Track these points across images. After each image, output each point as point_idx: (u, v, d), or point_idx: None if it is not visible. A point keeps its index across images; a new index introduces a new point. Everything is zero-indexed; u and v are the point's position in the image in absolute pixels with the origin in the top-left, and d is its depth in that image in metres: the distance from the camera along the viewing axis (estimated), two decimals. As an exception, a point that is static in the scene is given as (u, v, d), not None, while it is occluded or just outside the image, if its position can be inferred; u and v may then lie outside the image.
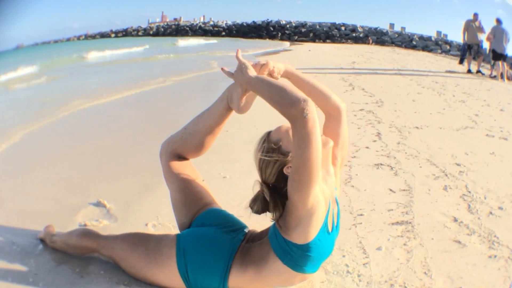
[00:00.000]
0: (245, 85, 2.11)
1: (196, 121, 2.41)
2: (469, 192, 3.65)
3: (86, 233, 2.43)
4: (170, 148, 2.44)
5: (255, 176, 3.71)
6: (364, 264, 2.47)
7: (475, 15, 13.75)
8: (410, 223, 3.01)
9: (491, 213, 3.26)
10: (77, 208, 3.09)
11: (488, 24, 13.81)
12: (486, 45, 13.93)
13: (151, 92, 8.80)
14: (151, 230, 2.83)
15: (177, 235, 2.22)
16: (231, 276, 2.10)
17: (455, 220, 3.10)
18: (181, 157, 2.45)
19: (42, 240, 2.59)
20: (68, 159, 4.38)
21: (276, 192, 2.02)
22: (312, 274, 2.15)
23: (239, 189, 3.50)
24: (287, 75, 2.23)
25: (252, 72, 2.06)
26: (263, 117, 5.85)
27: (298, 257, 2.02)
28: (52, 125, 5.97)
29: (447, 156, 4.63)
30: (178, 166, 2.42)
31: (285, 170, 1.99)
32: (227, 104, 2.30)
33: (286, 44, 29.93)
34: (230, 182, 3.77)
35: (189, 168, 2.45)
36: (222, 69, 2.20)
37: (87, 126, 6.04)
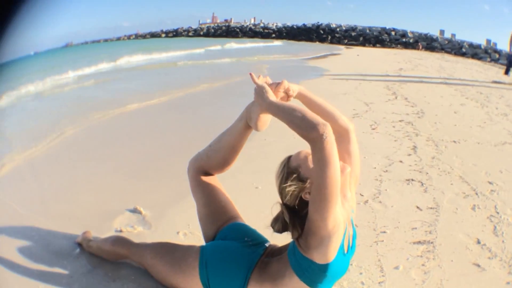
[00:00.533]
0: (264, 109, 2.24)
1: (219, 138, 2.55)
2: (497, 213, 3.65)
3: (119, 241, 2.68)
4: (197, 165, 2.61)
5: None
6: (379, 283, 2.55)
7: None
8: (432, 243, 3.05)
9: (517, 236, 3.25)
10: (114, 214, 3.30)
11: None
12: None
13: (199, 94, 8.95)
14: (181, 238, 3.02)
15: (201, 247, 2.39)
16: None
17: (478, 242, 3.13)
18: (207, 173, 2.62)
19: (79, 244, 2.84)
20: (111, 163, 4.59)
21: (295, 214, 2.14)
22: None
23: (271, 200, 3.57)
24: (300, 96, 2.39)
25: (271, 96, 2.21)
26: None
27: (315, 275, 2.13)
28: (99, 126, 6.21)
29: (480, 173, 4.61)
30: (204, 182, 2.59)
31: (303, 196, 2.11)
32: (246, 123, 2.44)
33: (338, 47, 29.72)
34: (262, 192, 3.88)
35: (214, 184, 2.62)
36: (250, 74, 2.34)
37: (130, 130, 6.23)
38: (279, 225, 2.23)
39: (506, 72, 14.16)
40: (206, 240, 2.56)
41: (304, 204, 2.11)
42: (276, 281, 2.20)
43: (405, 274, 2.66)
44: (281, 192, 2.16)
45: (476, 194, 4.04)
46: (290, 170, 2.14)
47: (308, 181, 2.09)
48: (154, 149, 5.21)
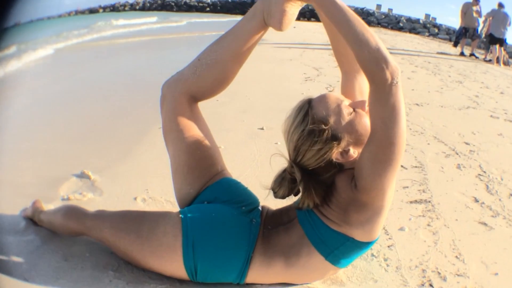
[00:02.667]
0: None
1: (215, 48, 1.90)
2: (484, 172, 3.45)
3: (71, 213, 1.96)
4: (179, 89, 1.90)
5: (252, 148, 3.48)
6: (389, 247, 2.23)
7: None
8: (429, 202, 2.78)
9: (511, 194, 3.04)
10: (60, 180, 2.70)
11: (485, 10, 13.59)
12: (482, 29, 13.61)
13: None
14: (140, 205, 2.49)
15: (182, 218, 1.76)
16: (252, 269, 1.73)
17: (476, 200, 2.89)
18: (193, 100, 1.94)
19: (29, 219, 2.15)
20: (51, 127, 4.01)
21: (311, 179, 1.70)
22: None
23: (237, 160, 3.21)
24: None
25: None
26: (256, 88, 5.61)
27: (348, 253, 1.74)
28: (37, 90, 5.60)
29: (454, 134, 4.42)
30: (188, 118, 1.90)
31: (334, 157, 1.67)
32: (262, 21, 1.84)
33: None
34: (226, 152, 3.48)
35: (200, 120, 1.96)
36: None
37: (72, 93, 5.64)
38: (284, 189, 1.77)
39: (455, 45, 14.26)
40: (182, 202, 1.92)
41: (329, 166, 1.68)
42: (289, 258, 1.73)
43: (413, 235, 2.36)
44: (298, 149, 1.68)
45: (457, 153, 3.83)
46: (315, 122, 1.65)
47: (346, 138, 1.66)
48: (97, 112, 4.64)
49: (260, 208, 1.89)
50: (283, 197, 1.81)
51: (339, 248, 1.71)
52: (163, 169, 2.85)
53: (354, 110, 1.71)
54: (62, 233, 2.01)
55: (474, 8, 13.34)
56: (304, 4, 1.81)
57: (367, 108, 1.70)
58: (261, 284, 1.82)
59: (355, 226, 1.67)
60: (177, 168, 1.91)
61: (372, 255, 2.13)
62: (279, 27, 1.80)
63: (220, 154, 1.99)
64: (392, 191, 1.65)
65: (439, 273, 2.03)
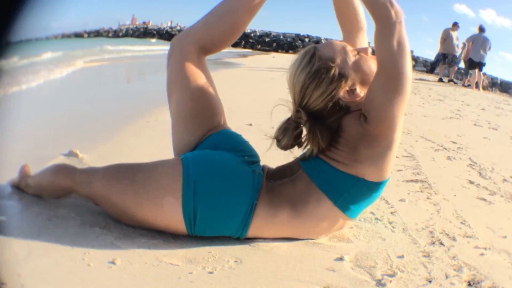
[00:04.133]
0: None
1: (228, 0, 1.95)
2: (475, 163, 3.44)
3: (61, 169, 1.88)
4: (190, 39, 1.92)
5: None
6: (392, 213, 2.18)
7: (456, 24, 13.62)
8: (425, 181, 2.75)
9: (505, 180, 3.05)
10: (48, 159, 2.57)
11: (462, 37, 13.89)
12: (460, 55, 13.85)
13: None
14: None
15: (183, 160, 1.68)
16: (255, 220, 1.66)
17: (471, 182, 2.88)
18: (202, 51, 1.93)
19: (16, 187, 2.03)
20: (41, 116, 3.96)
21: (317, 122, 1.69)
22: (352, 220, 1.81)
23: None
24: None
25: None
26: (241, 96, 5.60)
27: (359, 197, 1.70)
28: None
29: (440, 135, 4.44)
30: (195, 67, 1.89)
31: (341, 95, 1.68)
32: None
33: (252, 51, 29.68)
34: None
35: (206, 72, 1.95)
36: None
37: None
38: (288, 138, 1.75)
39: (432, 71, 14.48)
40: (180, 151, 1.86)
41: (335, 108, 1.68)
42: (297, 206, 1.67)
43: (414, 205, 2.31)
44: (305, 90, 1.69)
45: (445, 149, 3.83)
46: (323, 62, 1.67)
47: (352, 76, 1.69)
48: (87, 104, 4.71)
49: (261, 164, 1.84)
50: (286, 147, 1.78)
51: (349, 191, 1.67)
52: (152, 151, 2.83)
53: (358, 53, 1.77)
54: (49, 194, 1.90)
55: (454, 34, 13.56)
56: None
57: (369, 54, 1.78)
58: (264, 239, 1.73)
59: (367, 162, 1.64)
60: (179, 116, 1.88)
61: (376, 218, 2.08)
62: None
63: (223, 107, 1.96)
64: (401, 127, 1.66)
65: (447, 234, 1.97)
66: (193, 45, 1.90)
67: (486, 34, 12.98)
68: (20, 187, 2.00)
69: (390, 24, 1.59)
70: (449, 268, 1.67)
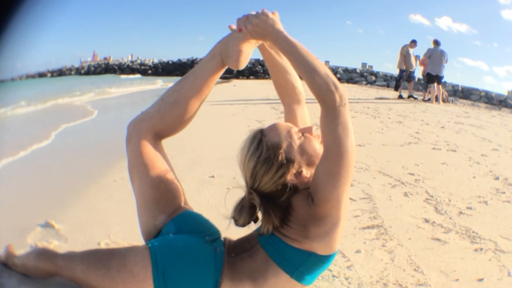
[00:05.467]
0: (267, 37, 1.90)
1: (177, 87, 2.09)
2: (432, 196, 3.60)
3: (42, 254, 2.00)
4: (145, 127, 2.04)
5: (205, 194, 3.51)
6: (348, 267, 2.30)
7: (414, 41, 14.05)
8: (381, 226, 2.89)
9: (461, 212, 3.21)
10: (26, 230, 2.79)
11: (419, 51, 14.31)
12: (419, 70, 14.29)
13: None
14: None
15: (150, 248, 1.83)
16: None
17: (427, 221, 3.02)
18: (157, 137, 2.08)
19: (3, 263, 2.12)
20: (12, 182, 4.06)
21: (270, 202, 1.81)
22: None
23: (192, 206, 3.25)
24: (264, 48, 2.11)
25: (280, 24, 1.88)
26: (202, 141, 5.68)
27: (311, 269, 1.81)
28: None
29: (397, 167, 4.61)
30: (152, 153, 2.03)
31: (289, 178, 1.79)
32: (221, 61, 2.07)
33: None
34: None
35: (163, 156, 2.09)
36: (229, 26, 2.00)
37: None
38: (244, 216, 1.86)
39: (396, 89, 14.80)
40: (148, 236, 2.00)
41: (284, 189, 1.79)
42: (257, 281, 1.80)
43: (370, 256, 2.44)
44: (255, 175, 1.81)
45: (403, 183, 3.98)
46: (270, 148, 1.80)
47: (298, 159, 1.80)
48: (56, 167, 4.78)
49: (222, 239, 1.98)
50: (243, 225, 1.90)
51: (303, 264, 1.79)
52: (122, 216, 3.00)
53: (303, 134, 1.89)
54: (35, 274, 2.01)
55: (411, 50, 13.99)
56: (258, 43, 2.07)
57: (314, 132, 1.91)
58: None
59: (316, 239, 1.76)
60: (142, 202, 2.00)
61: (333, 275, 2.20)
62: (236, 65, 2.04)
63: (182, 188, 2.09)
64: (347, 204, 1.78)
65: (400, 285, 2.10)
66: (148, 132, 2.04)
67: (442, 46, 13.44)
68: (7, 265, 2.11)
69: (335, 108, 1.69)
70: (401, 324, 1.78)
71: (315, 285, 2.08)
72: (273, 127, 1.86)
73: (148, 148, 2.02)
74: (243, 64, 2.04)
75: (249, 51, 2.05)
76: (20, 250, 2.23)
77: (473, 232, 2.79)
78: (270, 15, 1.90)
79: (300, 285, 1.83)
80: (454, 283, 2.13)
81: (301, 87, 2.16)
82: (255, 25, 1.90)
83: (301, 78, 1.94)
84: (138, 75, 36.05)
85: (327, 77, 1.72)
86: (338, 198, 1.70)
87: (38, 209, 3.28)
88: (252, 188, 1.83)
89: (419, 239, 2.68)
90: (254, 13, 1.94)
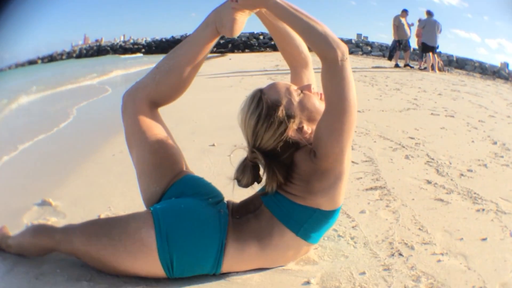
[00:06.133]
0: (258, 6, 1.93)
1: (172, 56, 2.08)
2: (432, 159, 3.60)
3: (40, 230, 1.98)
4: (140, 95, 2.04)
5: (206, 162, 3.50)
6: (353, 227, 2.30)
7: (405, 11, 14.02)
8: (384, 187, 2.89)
9: (462, 175, 3.21)
10: (21, 211, 2.68)
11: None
12: (414, 40, 14.23)
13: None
14: None
15: (153, 213, 1.81)
16: (227, 257, 1.79)
17: (429, 182, 3.02)
18: (153, 106, 2.07)
19: None
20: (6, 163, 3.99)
21: (274, 160, 1.83)
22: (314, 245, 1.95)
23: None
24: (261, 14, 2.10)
25: None
26: (200, 112, 5.66)
27: (317, 225, 1.84)
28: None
29: (397, 132, 4.60)
30: (149, 120, 2.02)
31: (290, 134, 1.81)
32: (215, 29, 2.06)
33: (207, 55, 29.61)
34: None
35: (161, 123, 2.08)
36: None
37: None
38: (248, 177, 1.88)
39: (390, 58, 14.79)
40: (150, 199, 1.98)
41: (286, 146, 1.82)
42: (262, 240, 1.81)
43: (374, 216, 2.44)
44: (256, 133, 1.82)
45: (403, 147, 3.98)
46: (270, 106, 1.81)
47: (298, 115, 1.82)
48: (52, 147, 4.70)
49: (225, 201, 1.98)
50: (247, 185, 1.91)
51: (308, 221, 1.80)
52: (122, 188, 2.95)
53: (302, 92, 1.91)
54: (31, 253, 1.99)
55: (404, 20, 13.94)
56: (253, 12, 2.06)
57: (313, 90, 1.93)
58: (237, 272, 1.86)
59: (320, 194, 1.77)
60: (142, 169, 2.00)
61: (339, 235, 2.20)
62: (230, 33, 2.03)
63: (182, 154, 2.08)
64: (349, 158, 1.80)
65: (406, 244, 2.10)
66: (144, 100, 2.03)
67: (435, 17, 13.38)
68: (1, 248, 2.08)
69: (337, 63, 1.69)
70: (408, 279, 1.80)
71: (321, 245, 2.08)
72: (272, 86, 1.88)
73: (144, 116, 2.01)
74: (237, 32, 2.04)
75: (243, 20, 2.05)
76: (16, 231, 2.15)
77: (475, 193, 2.80)
78: None
79: (306, 243, 1.85)
80: (458, 242, 2.14)
81: (307, 50, 2.15)
82: None
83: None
84: (140, 54, 35.47)
85: (326, 34, 1.72)
86: (341, 151, 1.72)
87: (34, 188, 3.20)
88: (254, 146, 1.84)
89: (422, 200, 2.68)
90: None
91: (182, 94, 2.13)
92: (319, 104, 1.86)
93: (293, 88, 1.89)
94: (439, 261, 1.96)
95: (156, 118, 2.06)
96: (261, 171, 1.90)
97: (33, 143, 4.79)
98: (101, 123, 6.10)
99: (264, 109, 1.80)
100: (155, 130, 2.00)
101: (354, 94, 1.72)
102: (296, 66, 2.19)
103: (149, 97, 2.04)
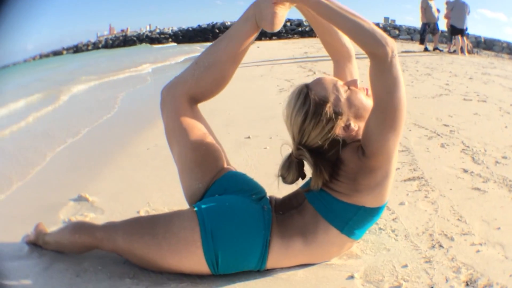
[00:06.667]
0: (300, 2, 1.88)
1: (212, 50, 2.07)
2: (468, 147, 3.64)
3: (80, 228, 2.00)
4: (180, 91, 2.03)
5: (243, 155, 3.61)
6: (393, 220, 2.38)
7: None
8: (422, 178, 2.95)
9: (497, 162, 3.25)
10: (57, 206, 2.74)
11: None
12: (443, 22, 14.11)
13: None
14: None
15: (197, 211, 1.82)
16: (271, 253, 1.83)
17: (465, 171, 3.07)
18: (193, 101, 2.07)
19: (33, 244, 2.16)
20: (44, 159, 4.10)
21: (318, 157, 1.83)
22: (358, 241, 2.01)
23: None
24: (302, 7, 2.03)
25: None
26: (233, 103, 5.75)
27: (361, 223, 1.86)
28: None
29: (432, 119, 4.63)
30: (189, 117, 2.02)
31: (338, 132, 1.81)
32: (255, 23, 2.02)
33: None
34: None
35: (201, 119, 2.08)
36: None
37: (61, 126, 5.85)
38: (293, 173, 1.90)
39: (422, 42, 14.65)
40: (192, 197, 2.00)
41: (333, 143, 1.82)
42: (307, 237, 1.84)
43: (413, 207, 2.51)
44: (303, 130, 1.82)
45: (438, 135, 4.02)
46: (317, 102, 1.80)
47: (346, 112, 1.82)
48: (88, 142, 4.80)
49: (268, 197, 2.01)
50: (292, 182, 1.94)
51: (353, 219, 1.84)
52: (159, 182, 3.02)
53: (348, 88, 1.89)
54: (71, 250, 2.03)
55: (432, 3, 13.78)
56: (292, 6, 2.02)
57: (359, 85, 1.91)
58: (281, 268, 1.92)
59: (366, 192, 1.80)
60: (183, 166, 2.00)
61: (380, 228, 2.28)
62: (271, 27, 2.00)
63: (223, 150, 2.10)
64: (396, 155, 1.82)
65: (446, 235, 2.17)
66: (183, 97, 2.03)
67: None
68: (37, 244, 2.14)
69: (386, 60, 1.66)
70: (449, 271, 1.88)
71: (363, 238, 2.15)
72: (319, 81, 1.86)
73: (184, 112, 2.02)
74: (278, 27, 2.01)
75: (284, 13, 2.02)
76: (52, 228, 2.23)
77: (510, 181, 2.84)
78: None
79: (350, 240, 1.89)
80: (496, 232, 2.20)
81: (350, 43, 2.12)
82: None
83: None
84: (174, 44, 35.54)
85: (374, 31, 1.68)
86: (390, 150, 1.73)
87: (68, 183, 3.25)
88: (300, 143, 1.85)
89: (460, 189, 2.74)
90: None
91: (222, 89, 2.12)
92: (366, 101, 1.84)
93: (340, 83, 1.87)
94: (478, 251, 2.02)
95: (196, 114, 2.07)
96: (305, 167, 1.93)
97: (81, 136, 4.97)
98: (137, 115, 6.24)
99: (311, 106, 1.79)
100: (195, 126, 2.01)
101: (404, 91, 1.70)
102: (339, 59, 2.16)
103: (189, 93, 2.04)
